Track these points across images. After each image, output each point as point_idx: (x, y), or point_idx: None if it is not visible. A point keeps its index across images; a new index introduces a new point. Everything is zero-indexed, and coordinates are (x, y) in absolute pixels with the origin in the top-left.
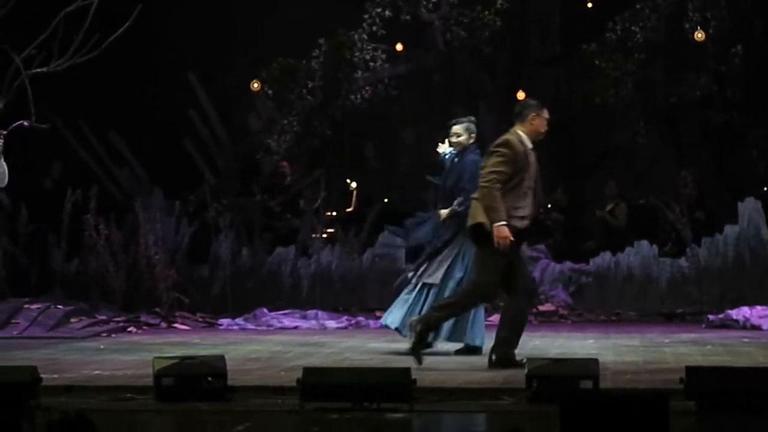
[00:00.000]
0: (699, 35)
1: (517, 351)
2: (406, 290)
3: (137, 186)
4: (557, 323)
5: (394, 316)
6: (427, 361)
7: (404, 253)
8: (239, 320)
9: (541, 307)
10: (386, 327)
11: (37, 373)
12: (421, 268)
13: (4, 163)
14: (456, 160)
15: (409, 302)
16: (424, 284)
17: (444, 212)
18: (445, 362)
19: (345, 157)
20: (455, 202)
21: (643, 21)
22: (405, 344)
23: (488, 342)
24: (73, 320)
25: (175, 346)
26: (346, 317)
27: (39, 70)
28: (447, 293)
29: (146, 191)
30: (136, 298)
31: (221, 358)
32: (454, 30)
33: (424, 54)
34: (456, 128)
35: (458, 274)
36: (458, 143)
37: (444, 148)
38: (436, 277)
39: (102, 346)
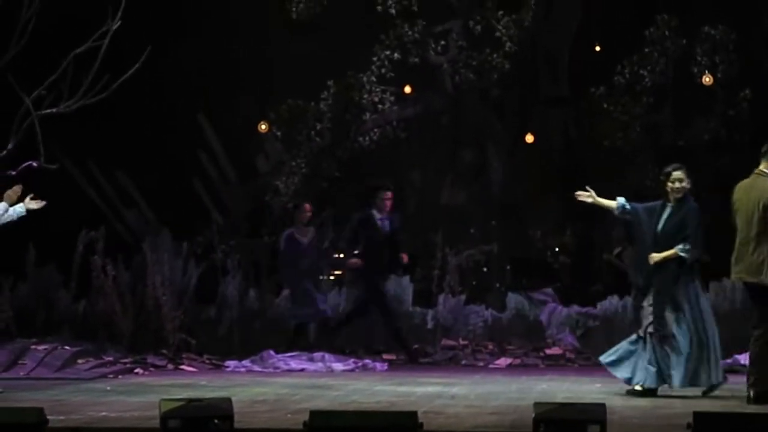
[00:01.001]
0: (707, 79)
1: (521, 396)
2: (630, 339)
3: (145, 227)
4: (564, 367)
5: (625, 368)
6: (434, 404)
7: (411, 295)
8: (246, 362)
9: (549, 351)
10: (611, 371)
11: (44, 415)
12: (646, 321)
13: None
14: (672, 206)
15: (636, 353)
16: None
17: (658, 256)
18: (452, 405)
19: (352, 199)
20: (679, 248)
21: (651, 64)
22: (410, 387)
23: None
24: (80, 361)
25: (182, 388)
26: (353, 359)
27: (48, 110)
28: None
29: (154, 232)
30: (143, 339)
31: (228, 400)
32: (463, 72)
33: (432, 96)
34: (678, 173)
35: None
36: (682, 188)
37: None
38: (666, 330)
39: (109, 388)
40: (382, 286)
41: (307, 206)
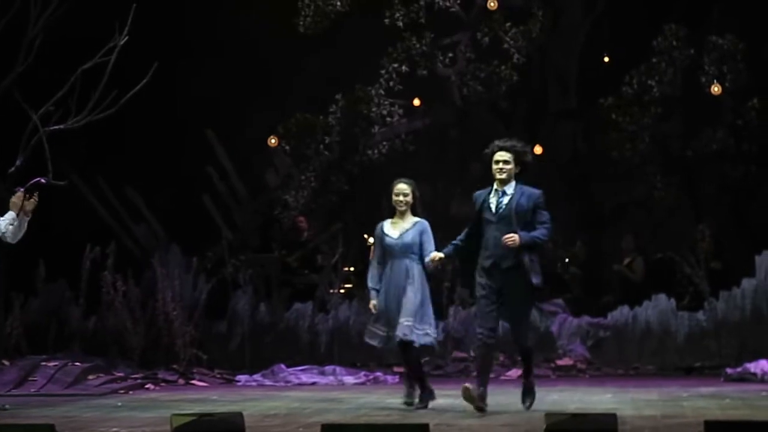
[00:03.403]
0: (715, 89)
1: (533, 406)
2: None
3: (155, 242)
4: (575, 377)
5: None
6: (445, 416)
7: None
8: (257, 376)
9: (559, 362)
10: None
11: (55, 431)
12: None
13: (26, 223)
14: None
15: None
16: None
17: None
18: (464, 417)
19: (362, 212)
20: None
21: (659, 75)
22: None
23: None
24: (90, 377)
25: (193, 403)
26: (364, 373)
27: (56, 127)
28: None
29: (164, 247)
30: (153, 354)
31: (239, 414)
32: (471, 85)
33: (440, 109)
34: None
35: None
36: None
37: None
38: None
39: (120, 404)
40: None
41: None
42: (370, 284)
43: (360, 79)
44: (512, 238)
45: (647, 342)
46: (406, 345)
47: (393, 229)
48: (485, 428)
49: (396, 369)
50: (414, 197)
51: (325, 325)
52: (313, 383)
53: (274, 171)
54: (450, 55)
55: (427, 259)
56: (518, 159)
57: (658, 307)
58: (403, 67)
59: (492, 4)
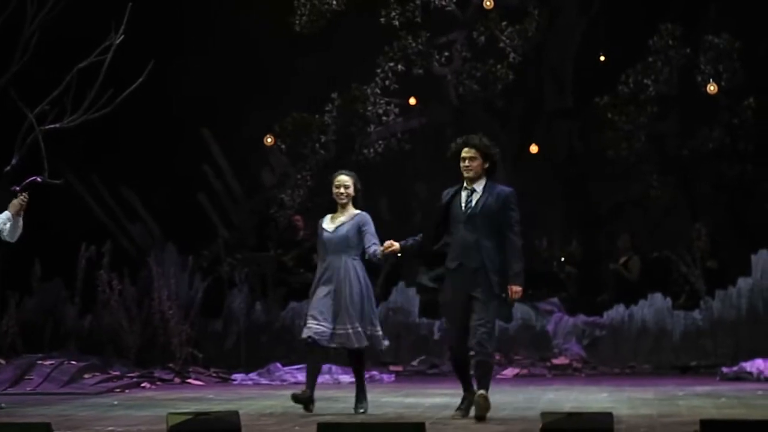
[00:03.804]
0: (711, 88)
1: (528, 406)
2: None
3: (151, 241)
4: (571, 376)
5: None
6: (442, 415)
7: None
8: (253, 375)
9: (555, 361)
10: None
11: (51, 430)
12: None
13: (21, 221)
14: None
15: None
16: None
17: None
18: (460, 416)
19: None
20: None
21: (655, 74)
22: (417, 399)
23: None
24: (86, 376)
25: (189, 402)
26: None
27: (52, 126)
28: None
29: (160, 246)
30: (149, 353)
31: (235, 413)
32: (467, 84)
33: (436, 108)
34: None
35: None
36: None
37: None
38: None
39: (115, 402)
40: None
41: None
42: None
43: (356, 78)
44: (515, 291)
45: (643, 341)
46: (355, 351)
47: (331, 223)
48: (481, 427)
49: (392, 368)
50: (356, 189)
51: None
52: None
53: (270, 170)
54: (446, 54)
55: (377, 249)
56: (485, 155)
57: (654, 306)
58: (399, 66)
59: (488, 2)
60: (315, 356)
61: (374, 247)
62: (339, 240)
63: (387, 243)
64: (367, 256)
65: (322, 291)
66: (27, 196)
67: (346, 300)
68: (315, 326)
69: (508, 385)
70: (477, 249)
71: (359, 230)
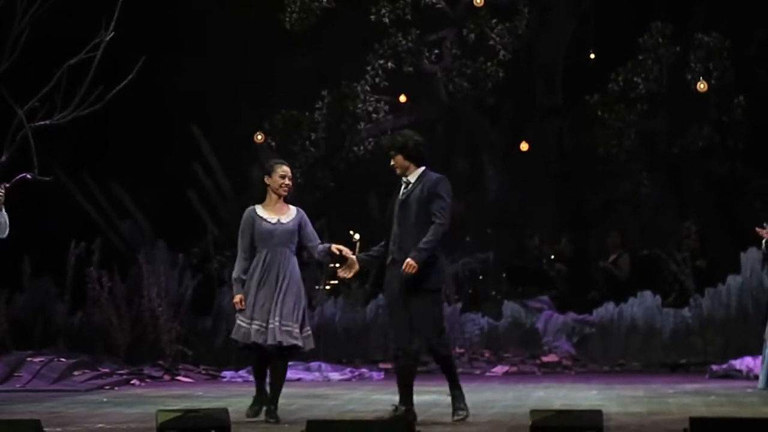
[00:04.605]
0: (701, 86)
1: (518, 403)
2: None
3: (141, 238)
4: (561, 374)
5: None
6: (431, 412)
7: None
8: (242, 372)
9: (545, 358)
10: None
11: (41, 427)
12: None
13: (5, 214)
14: None
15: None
16: None
17: None
18: (449, 414)
19: (348, 209)
20: None
21: (645, 72)
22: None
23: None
24: (76, 373)
25: (179, 399)
26: (349, 369)
27: (42, 122)
28: None
29: (150, 243)
30: (139, 350)
31: (225, 411)
32: (457, 81)
33: (426, 105)
34: None
35: None
36: None
37: None
38: None
39: (105, 399)
40: None
41: None
42: (235, 275)
43: (346, 75)
44: (408, 264)
45: (633, 339)
46: (283, 350)
47: (270, 214)
48: (470, 425)
49: (382, 365)
50: (292, 182)
51: (310, 321)
52: (299, 379)
53: (260, 167)
54: (436, 51)
55: (329, 247)
56: (398, 149)
57: (643, 303)
58: (389, 64)
59: (478, 0)
60: (256, 356)
61: (322, 245)
62: (282, 233)
63: (345, 250)
64: (316, 255)
65: (263, 286)
66: (5, 188)
67: (286, 298)
68: (246, 325)
69: (498, 382)
70: (405, 240)
71: (300, 226)
